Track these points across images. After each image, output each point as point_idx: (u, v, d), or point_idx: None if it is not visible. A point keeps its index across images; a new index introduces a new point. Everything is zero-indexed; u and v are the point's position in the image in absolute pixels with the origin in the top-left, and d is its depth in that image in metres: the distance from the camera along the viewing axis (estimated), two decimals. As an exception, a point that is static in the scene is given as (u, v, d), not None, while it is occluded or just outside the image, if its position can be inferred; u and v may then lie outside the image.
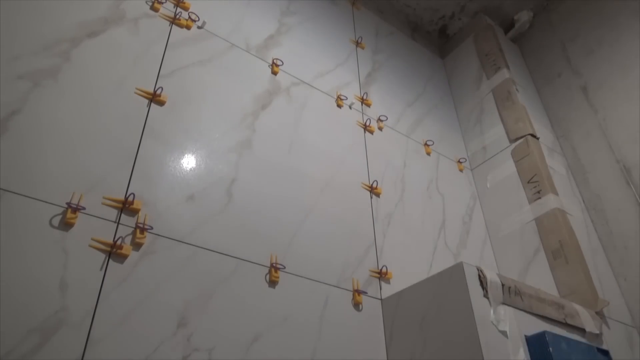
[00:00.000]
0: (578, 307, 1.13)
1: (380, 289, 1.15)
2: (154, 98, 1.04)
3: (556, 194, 1.45)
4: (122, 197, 0.88)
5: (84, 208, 0.82)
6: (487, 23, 2.02)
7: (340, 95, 1.47)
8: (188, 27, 1.22)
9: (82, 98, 0.94)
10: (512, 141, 1.62)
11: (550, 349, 0.90)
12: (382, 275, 1.17)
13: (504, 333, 0.91)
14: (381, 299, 1.13)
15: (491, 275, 0.98)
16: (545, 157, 1.56)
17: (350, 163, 1.34)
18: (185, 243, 0.91)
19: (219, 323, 0.87)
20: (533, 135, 1.60)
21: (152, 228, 0.88)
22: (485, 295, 0.94)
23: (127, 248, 0.83)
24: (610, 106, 1.67)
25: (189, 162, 1.02)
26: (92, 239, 0.81)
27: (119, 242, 0.82)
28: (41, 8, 0.99)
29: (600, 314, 1.20)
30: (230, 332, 0.87)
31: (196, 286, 0.88)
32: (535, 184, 1.48)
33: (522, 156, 1.56)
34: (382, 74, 1.71)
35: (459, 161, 1.70)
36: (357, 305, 1.08)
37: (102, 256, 0.81)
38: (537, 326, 0.97)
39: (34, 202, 0.79)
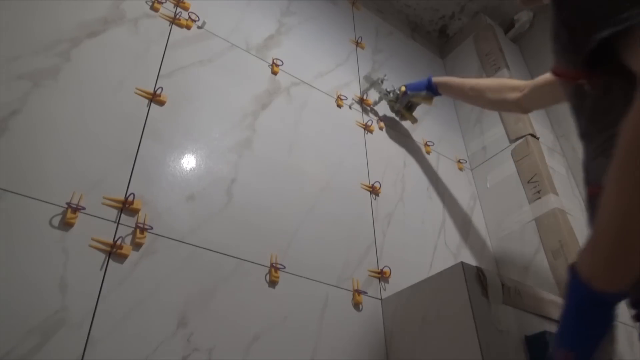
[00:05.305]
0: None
1: (381, 289, 1.15)
2: (154, 98, 1.04)
3: (556, 194, 1.45)
4: (122, 197, 0.88)
5: (84, 208, 0.82)
6: (487, 23, 2.02)
7: (340, 95, 1.47)
8: (188, 27, 1.22)
9: (82, 98, 0.94)
10: (512, 141, 1.62)
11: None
12: (382, 275, 1.17)
13: (504, 333, 0.91)
14: (381, 299, 1.13)
15: (491, 275, 0.98)
16: (545, 157, 1.56)
17: (350, 163, 1.34)
18: (185, 243, 0.91)
19: (219, 323, 0.87)
20: (533, 135, 1.60)
21: (152, 228, 0.88)
22: (485, 295, 0.94)
23: (127, 248, 0.84)
24: (610, 106, 1.67)
25: (188, 162, 1.02)
26: (92, 239, 0.81)
27: (119, 242, 0.83)
28: (41, 8, 0.99)
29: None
30: (230, 332, 0.87)
31: (196, 286, 0.88)
32: (535, 184, 1.48)
33: (522, 156, 1.56)
34: (382, 74, 1.70)
35: (459, 161, 1.70)
36: (357, 305, 1.08)
37: (102, 256, 0.81)
38: (537, 326, 0.96)
39: (34, 202, 0.79)
